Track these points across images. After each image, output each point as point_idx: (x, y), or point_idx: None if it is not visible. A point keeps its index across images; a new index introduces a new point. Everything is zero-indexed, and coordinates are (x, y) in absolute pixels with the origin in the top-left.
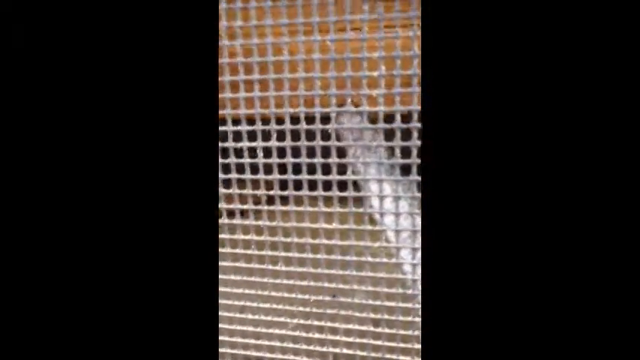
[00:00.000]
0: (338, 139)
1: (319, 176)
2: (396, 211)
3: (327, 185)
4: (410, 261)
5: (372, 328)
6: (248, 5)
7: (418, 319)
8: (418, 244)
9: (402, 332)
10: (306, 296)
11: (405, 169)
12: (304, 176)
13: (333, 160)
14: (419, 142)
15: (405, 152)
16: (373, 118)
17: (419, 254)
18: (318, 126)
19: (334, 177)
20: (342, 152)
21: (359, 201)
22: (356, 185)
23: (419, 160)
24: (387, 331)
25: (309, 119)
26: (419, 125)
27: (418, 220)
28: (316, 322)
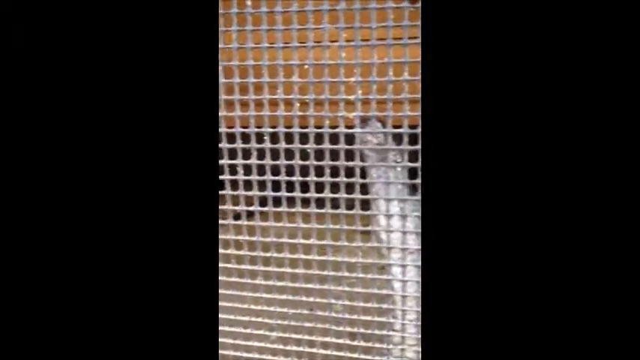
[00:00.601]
0: (362, 158)
1: (298, 194)
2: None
3: (306, 202)
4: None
5: (348, 342)
6: (231, 29)
7: (392, 333)
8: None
9: (377, 345)
10: (285, 309)
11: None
12: (283, 193)
13: (312, 178)
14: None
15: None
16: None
17: (392, 270)
18: (297, 145)
19: (312, 195)
20: (320, 170)
21: (336, 217)
22: (335, 201)
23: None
24: (362, 344)
25: (289, 138)
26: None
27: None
28: (294, 335)
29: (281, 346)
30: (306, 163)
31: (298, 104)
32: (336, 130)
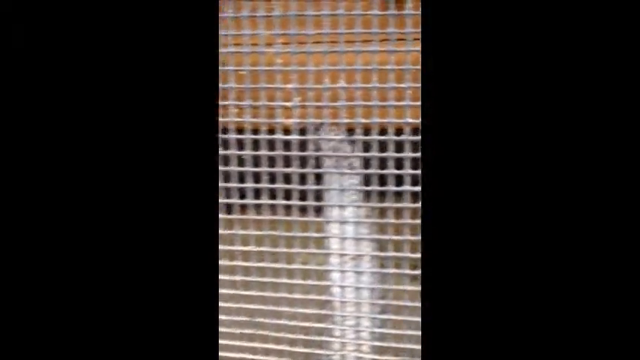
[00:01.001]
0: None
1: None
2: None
3: (243, 208)
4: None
5: (288, 348)
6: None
7: (332, 339)
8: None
9: (317, 352)
10: (223, 317)
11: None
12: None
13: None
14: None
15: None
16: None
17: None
18: (234, 152)
19: (252, 201)
20: (256, 176)
21: (275, 223)
22: (274, 207)
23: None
24: (304, 350)
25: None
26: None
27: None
28: (237, 343)
29: (224, 354)
30: (244, 169)
31: (236, 110)
32: (274, 136)
